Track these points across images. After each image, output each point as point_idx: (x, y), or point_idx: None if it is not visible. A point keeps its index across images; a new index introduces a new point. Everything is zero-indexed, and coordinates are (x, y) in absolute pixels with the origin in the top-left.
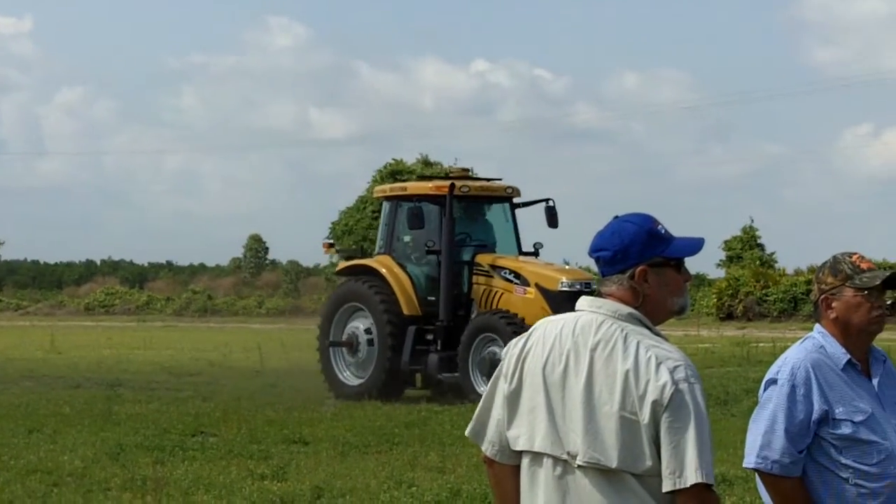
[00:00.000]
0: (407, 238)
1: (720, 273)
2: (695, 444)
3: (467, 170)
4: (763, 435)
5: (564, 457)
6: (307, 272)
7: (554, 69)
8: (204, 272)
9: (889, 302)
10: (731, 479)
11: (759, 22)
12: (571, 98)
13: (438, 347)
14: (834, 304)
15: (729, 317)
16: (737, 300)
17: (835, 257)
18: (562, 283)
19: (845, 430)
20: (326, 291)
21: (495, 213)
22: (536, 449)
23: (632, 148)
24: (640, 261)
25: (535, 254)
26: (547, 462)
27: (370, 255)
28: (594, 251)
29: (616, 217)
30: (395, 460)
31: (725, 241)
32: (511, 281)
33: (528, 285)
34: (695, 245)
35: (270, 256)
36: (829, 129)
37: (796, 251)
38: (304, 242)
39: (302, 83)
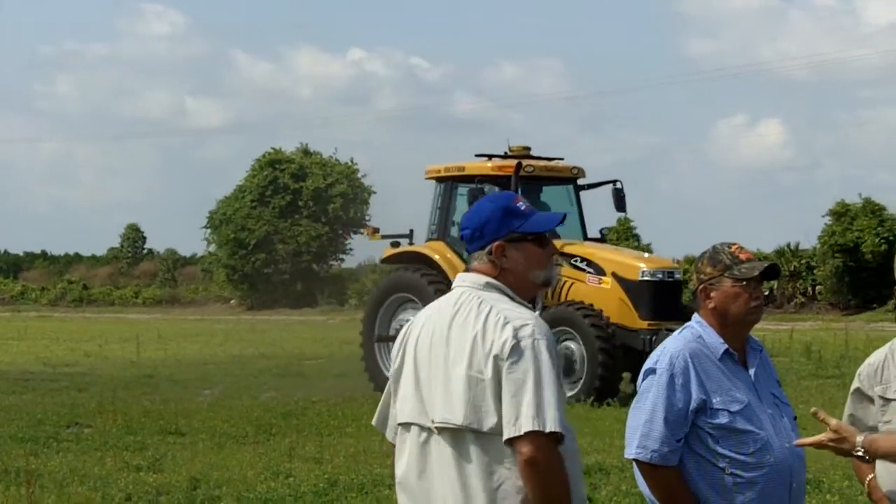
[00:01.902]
0: None
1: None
2: (533, 394)
3: (528, 148)
4: (643, 425)
5: (428, 424)
6: (185, 261)
7: (431, 58)
8: (80, 262)
9: (766, 293)
10: (608, 469)
11: (636, 13)
12: (449, 87)
13: None
14: (712, 294)
15: None
16: None
17: (714, 248)
18: (643, 271)
19: (722, 419)
20: (203, 281)
21: (558, 196)
22: (405, 419)
23: (510, 137)
24: (497, 236)
25: (602, 240)
26: (413, 430)
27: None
28: (461, 230)
29: (483, 197)
30: (272, 451)
31: (601, 231)
32: (583, 269)
33: (604, 274)
34: (552, 220)
35: (148, 246)
36: (705, 119)
37: (672, 242)
38: (181, 231)
39: (177, 71)
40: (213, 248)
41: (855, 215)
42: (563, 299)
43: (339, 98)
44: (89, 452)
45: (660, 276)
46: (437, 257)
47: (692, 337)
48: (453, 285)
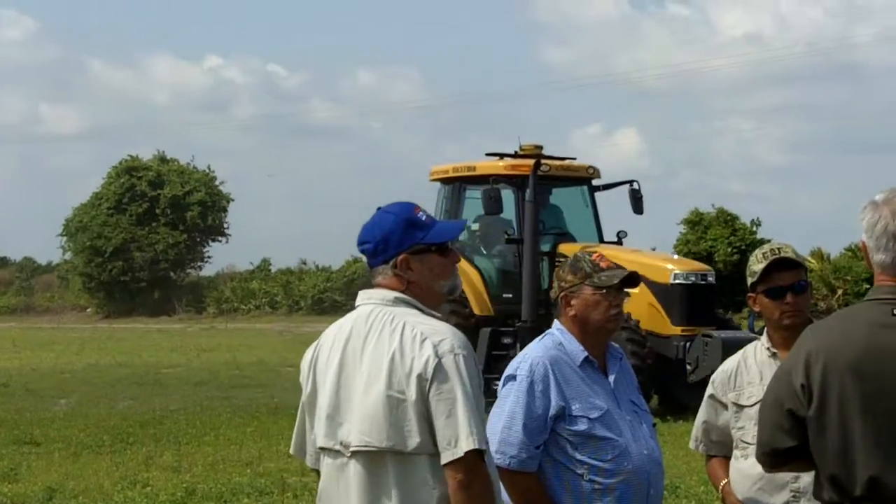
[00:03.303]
0: (475, 226)
1: None
2: (465, 413)
3: (540, 147)
4: (501, 430)
5: (338, 448)
6: (41, 270)
7: (288, 65)
8: None
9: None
10: None
11: (493, 21)
12: (307, 95)
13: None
14: (573, 302)
15: None
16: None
17: (575, 255)
18: (675, 274)
19: (581, 426)
20: (59, 289)
21: (572, 197)
22: (321, 444)
23: (369, 145)
24: (401, 249)
25: (619, 243)
26: (330, 454)
27: None
28: (359, 244)
29: (379, 209)
30: (129, 460)
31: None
32: None
33: None
34: (455, 228)
35: (3, 254)
36: (562, 128)
37: None
38: (36, 239)
39: (32, 78)
40: (69, 255)
41: (709, 224)
42: None
43: (197, 105)
44: None
45: (693, 278)
46: None
47: (552, 344)
48: (358, 302)
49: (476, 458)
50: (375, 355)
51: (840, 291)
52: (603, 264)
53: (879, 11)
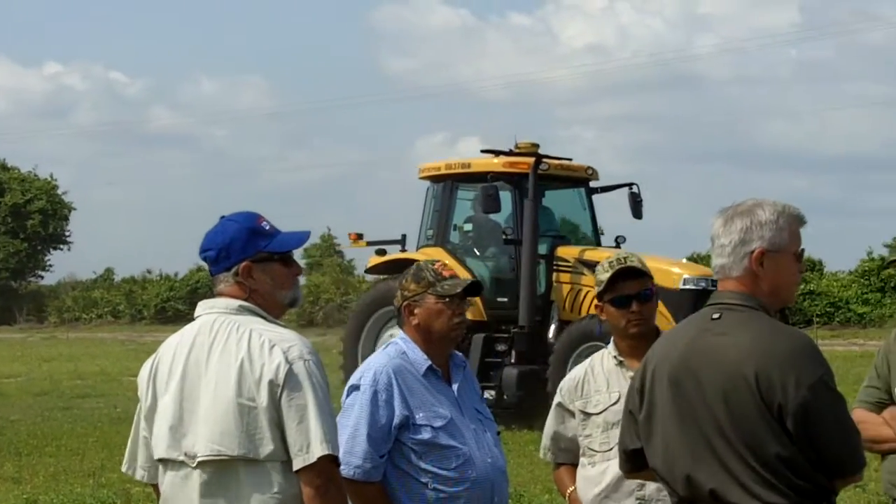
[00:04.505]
0: (468, 227)
1: (301, 280)
2: (317, 419)
3: (537, 145)
4: (346, 441)
5: (182, 458)
6: None
7: (130, 72)
8: None
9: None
10: None
11: (337, 30)
12: (149, 102)
13: (513, 360)
14: (416, 311)
15: (310, 323)
16: (317, 307)
17: (417, 265)
18: (684, 279)
19: (425, 435)
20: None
21: (568, 198)
22: (162, 455)
23: (214, 153)
24: (243, 257)
25: (617, 247)
26: (174, 466)
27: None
28: (202, 252)
29: (223, 217)
30: None
31: (305, 249)
32: None
33: None
34: (298, 238)
35: None
36: (406, 137)
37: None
38: None
39: None
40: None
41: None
42: (587, 311)
43: (37, 112)
44: None
45: (703, 284)
46: None
47: (396, 353)
48: (199, 312)
49: (330, 464)
50: (222, 364)
51: None
52: (445, 273)
53: (719, 23)
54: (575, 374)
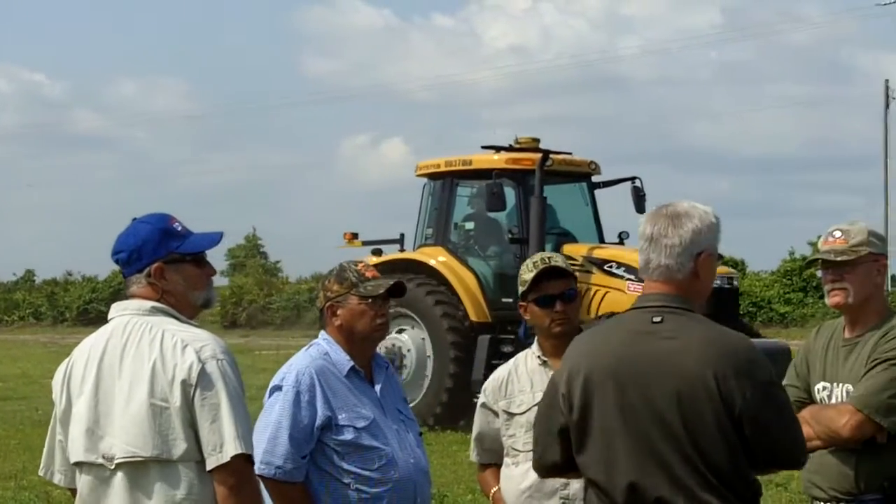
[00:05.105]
0: (469, 225)
1: (224, 281)
2: (230, 417)
3: (537, 140)
4: (267, 441)
5: (100, 461)
6: None
7: (51, 74)
8: None
9: (392, 310)
10: None
11: (259, 32)
12: (70, 104)
13: None
14: (339, 312)
15: (233, 324)
16: (241, 308)
17: (341, 266)
18: None
19: (348, 435)
20: None
21: (569, 194)
22: (79, 459)
23: (134, 155)
24: (155, 258)
25: (621, 243)
26: (89, 469)
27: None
28: (114, 254)
29: (134, 219)
30: None
31: (229, 249)
32: (620, 276)
33: None
34: (211, 239)
35: None
36: (331, 138)
37: (299, 259)
38: None
39: None
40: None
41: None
42: (596, 312)
43: None
44: None
45: (718, 282)
46: (439, 266)
47: (318, 354)
48: (112, 314)
49: (244, 463)
50: (135, 365)
51: None
52: (368, 274)
53: (642, 24)
54: (499, 374)
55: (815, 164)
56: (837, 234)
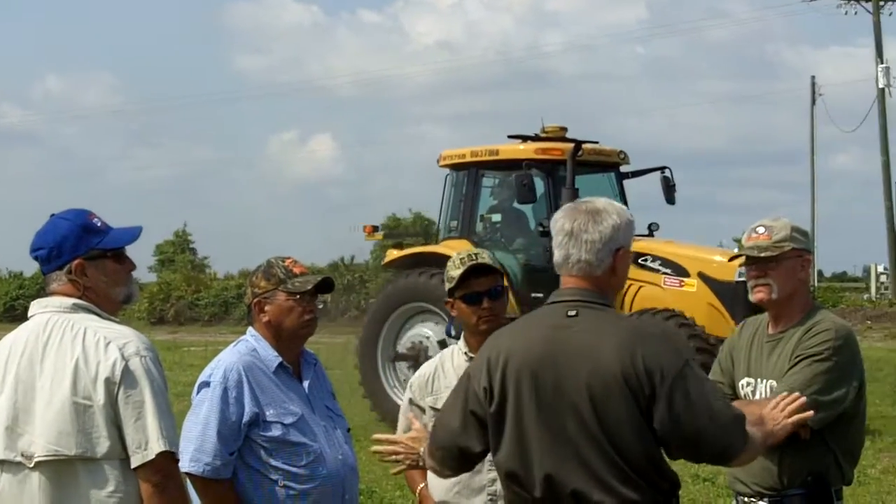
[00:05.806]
0: (496, 217)
1: (152, 277)
2: (155, 415)
3: (564, 129)
4: (196, 438)
5: (19, 459)
6: None
7: None
8: None
9: (320, 306)
10: None
11: (185, 26)
12: None
13: None
14: (267, 308)
15: (161, 321)
16: (168, 304)
17: (268, 262)
18: (739, 271)
19: (276, 432)
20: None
21: (597, 184)
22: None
23: (60, 151)
24: (76, 255)
25: (650, 235)
26: (8, 468)
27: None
28: (33, 251)
29: (53, 215)
30: None
31: (157, 245)
32: (656, 270)
33: (687, 275)
34: (130, 234)
35: None
36: (258, 134)
37: (228, 255)
38: None
39: None
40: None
41: (406, 229)
42: (630, 307)
43: None
44: None
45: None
46: None
47: (246, 350)
48: (33, 311)
49: (168, 460)
50: (57, 363)
51: None
52: (296, 270)
53: (567, 20)
54: (425, 370)
55: (742, 159)
56: (761, 230)
